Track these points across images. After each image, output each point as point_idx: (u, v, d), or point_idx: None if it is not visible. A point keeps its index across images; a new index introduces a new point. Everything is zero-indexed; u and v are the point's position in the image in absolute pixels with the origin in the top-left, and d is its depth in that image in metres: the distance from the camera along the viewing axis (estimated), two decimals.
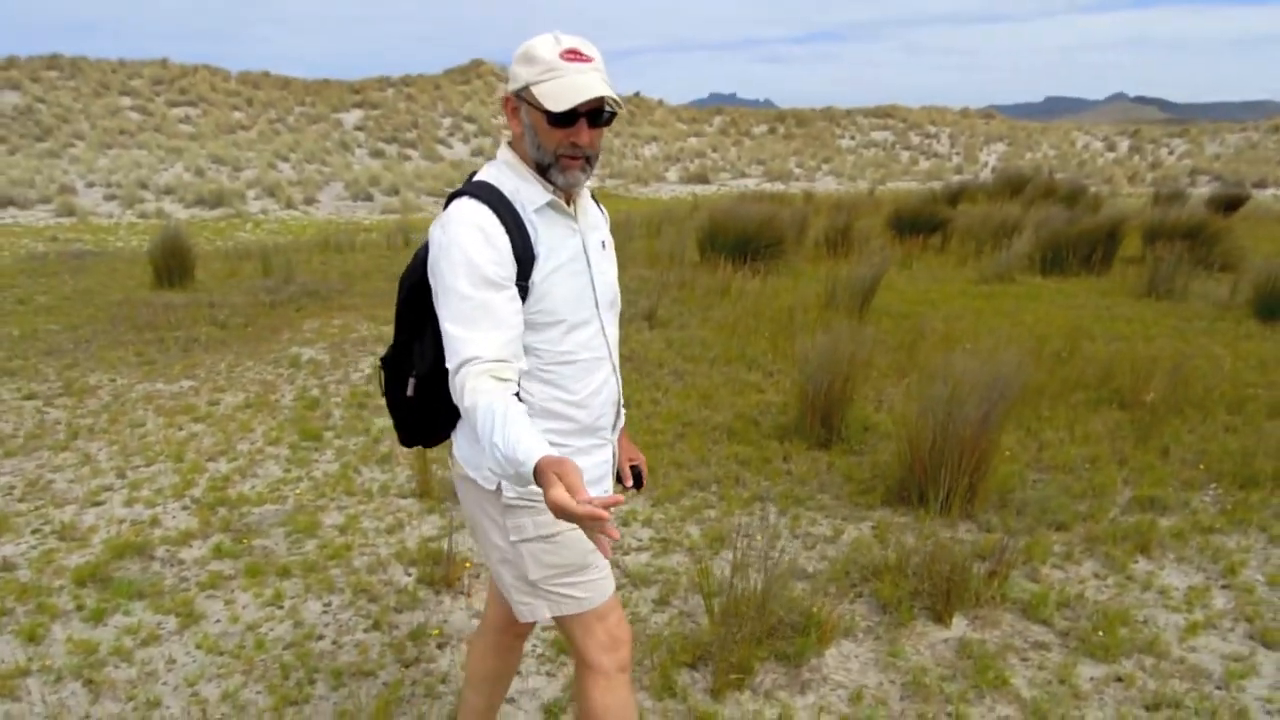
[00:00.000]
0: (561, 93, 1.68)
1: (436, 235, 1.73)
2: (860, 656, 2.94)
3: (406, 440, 1.97)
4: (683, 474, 4.59)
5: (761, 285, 9.77)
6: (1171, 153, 36.35)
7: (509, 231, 1.72)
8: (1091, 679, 2.80)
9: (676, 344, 7.34)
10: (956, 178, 29.67)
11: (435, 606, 3.27)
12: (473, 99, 37.51)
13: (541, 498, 1.57)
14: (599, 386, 1.88)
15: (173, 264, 10.93)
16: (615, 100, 1.73)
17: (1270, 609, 3.19)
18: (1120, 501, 4.19)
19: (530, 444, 1.51)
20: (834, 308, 8.52)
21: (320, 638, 3.07)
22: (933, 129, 39.91)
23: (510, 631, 2.15)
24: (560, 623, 1.92)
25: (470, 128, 34.37)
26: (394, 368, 1.93)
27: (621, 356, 6.53)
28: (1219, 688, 2.74)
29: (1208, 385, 6.09)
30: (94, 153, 26.49)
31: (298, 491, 4.35)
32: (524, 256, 1.73)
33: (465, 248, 1.68)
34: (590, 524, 1.40)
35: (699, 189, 26.76)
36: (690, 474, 4.60)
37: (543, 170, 1.78)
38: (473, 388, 1.61)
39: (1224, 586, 3.37)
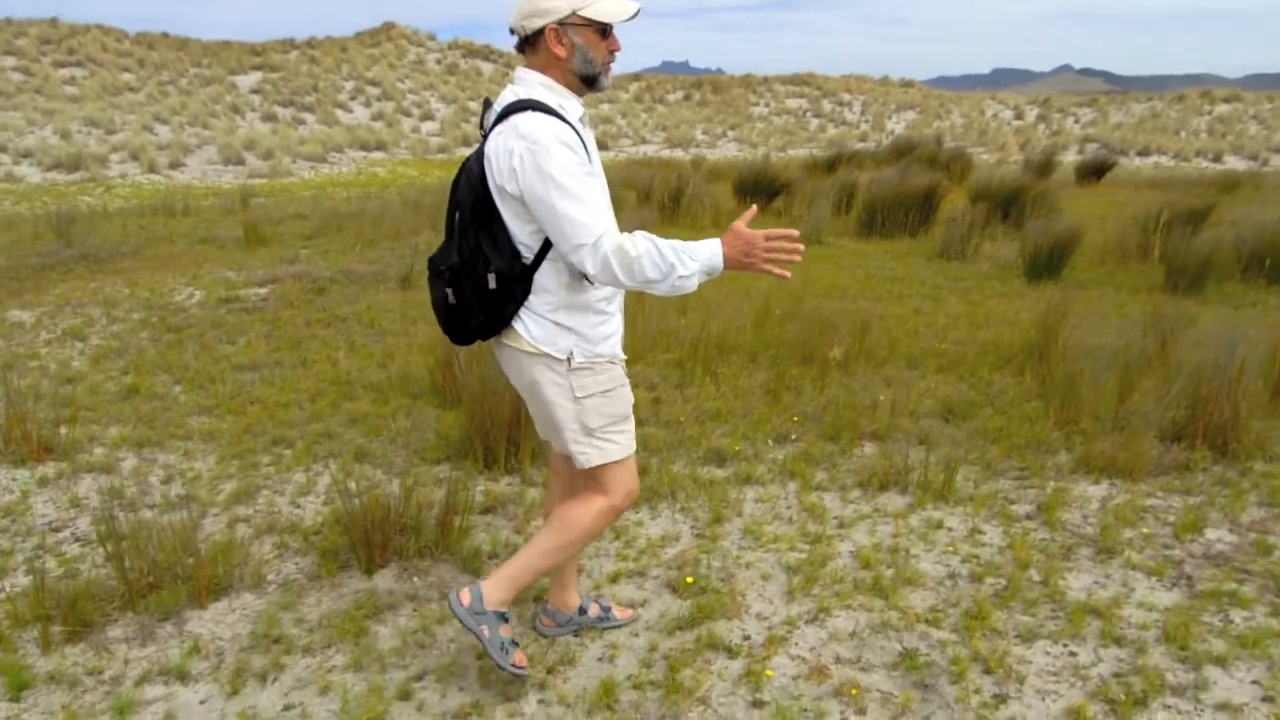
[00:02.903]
0: (617, 6, 2.13)
1: (517, 146, 2.06)
2: (246, 609, 2.85)
3: (471, 338, 2.30)
4: (288, 430, 4.47)
5: None
6: (1077, 122, 36.80)
7: (576, 134, 2.10)
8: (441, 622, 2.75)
9: (413, 305, 7.19)
10: (860, 144, 29.74)
11: None
12: (380, 62, 36.59)
13: (601, 359, 2.26)
14: None
15: None
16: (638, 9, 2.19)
17: (713, 554, 3.16)
18: (695, 455, 4.15)
19: (701, 246, 2.05)
20: None
21: None
22: (847, 97, 39.90)
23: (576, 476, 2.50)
24: (600, 468, 2.32)
25: (373, 91, 33.53)
26: (467, 271, 2.20)
27: (348, 317, 6.17)
28: (540, 630, 2.70)
29: (896, 341, 6.13)
30: None
31: None
32: (588, 153, 2.13)
33: (560, 146, 2.05)
34: (772, 259, 2.05)
35: None
36: (291, 430, 4.49)
37: (591, 81, 2.19)
38: (619, 246, 2.02)
39: (697, 536, 3.34)
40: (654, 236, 2.03)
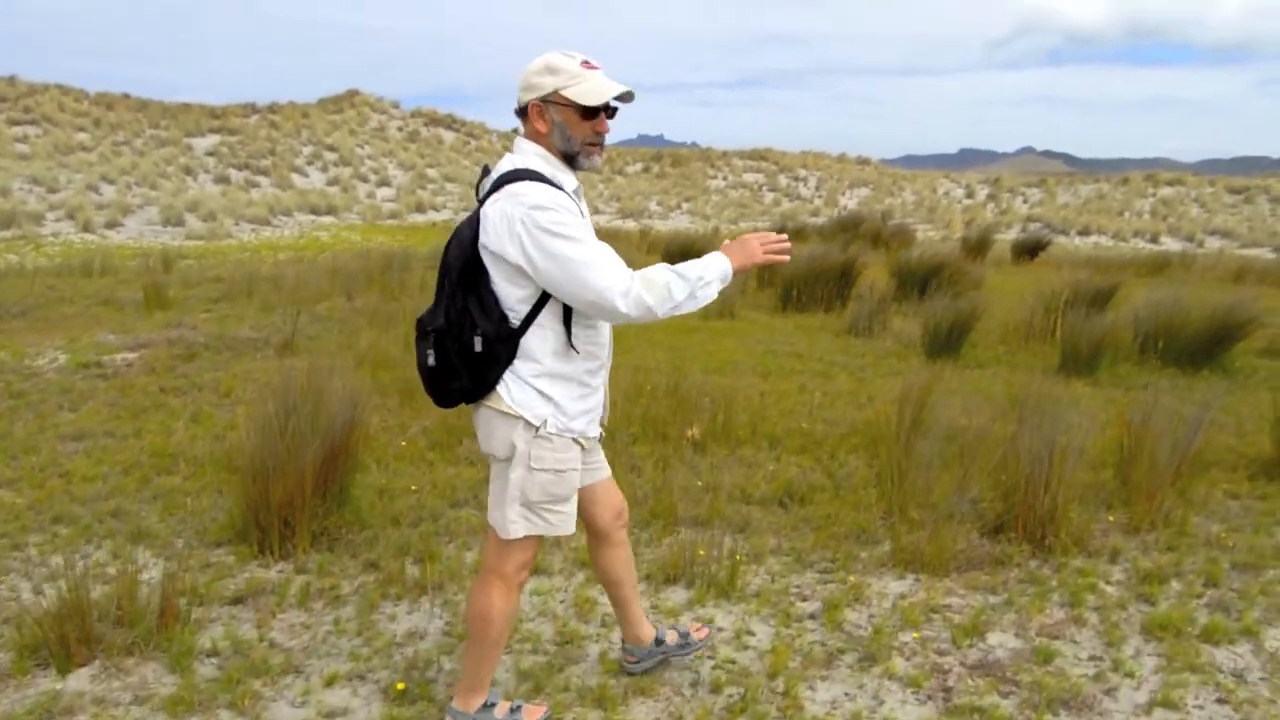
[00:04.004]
0: (596, 91, 2.19)
1: (516, 212, 2.13)
2: None
3: (454, 400, 2.31)
4: (77, 508, 4.20)
5: None
6: (1026, 201, 37.62)
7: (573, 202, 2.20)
8: None
9: (283, 373, 6.94)
10: (812, 219, 30.16)
11: None
12: (341, 128, 36.82)
13: (570, 434, 2.30)
14: (608, 330, 2.41)
15: None
16: (630, 93, 2.24)
17: (453, 655, 2.92)
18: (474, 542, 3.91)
19: (709, 259, 2.25)
20: None
21: None
22: (803, 172, 40.61)
23: (613, 527, 2.62)
24: (498, 539, 2.35)
25: (331, 157, 33.61)
26: (453, 333, 2.24)
27: (206, 386, 5.73)
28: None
29: (765, 420, 5.97)
30: None
31: None
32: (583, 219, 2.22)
33: (559, 207, 2.14)
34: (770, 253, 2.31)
35: None
36: (81, 508, 4.21)
37: (570, 158, 2.26)
38: (645, 278, 2.15)
39: (445, 633, 3.09)
40: (673, 268, 2.18)
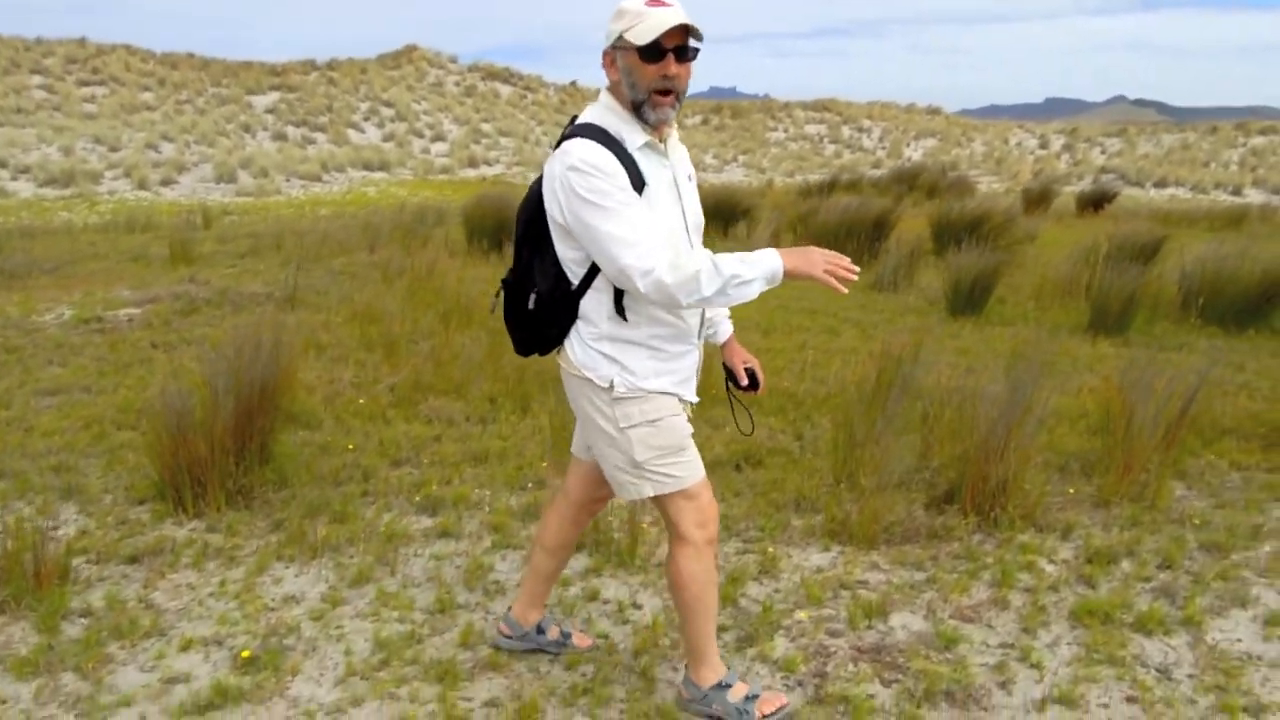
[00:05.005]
0: (651, 27, 1.99)
1: (558, 170, 2.05)
2: None
3: (524, 350, 2.31)
4: (26, 462, 4.23)
5: (459, 268, 9.35)
6: (1103, 152, 35.82)
7: (621, 161, 2.04)
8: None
9: (279, 329, 6.94)
10: (873, 171, 29.27)
11: None
12: (399, 84, 36.94)
13: (643, 391, 2.13)
14: None
15: None
16: (695, 30, 2.03)
17: (323, 621, 2.83)
18: (414, 502, 3.81)
19: (758, 255, 2.00)
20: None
21: None
22: (867, 123, 39.34)
23: (586, 508, 2.54)
24: (659, 501, 2.24)
25: (387, 112, 33.80)
26: (517, 288, 2.25)
27: (196, 340, 5.76)
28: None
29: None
30: None
31: None
32: (636, 182, 2.05)
33: (595, 171, 2.00)
34: (830, 272, 1.99)
35: None
36: (29, 462, 4.24)
37: (637, 108, 2.08)
38: (677, 267, 1.95)
39: (324, 599, 3.00)
40: (718, 257, 1.99)
